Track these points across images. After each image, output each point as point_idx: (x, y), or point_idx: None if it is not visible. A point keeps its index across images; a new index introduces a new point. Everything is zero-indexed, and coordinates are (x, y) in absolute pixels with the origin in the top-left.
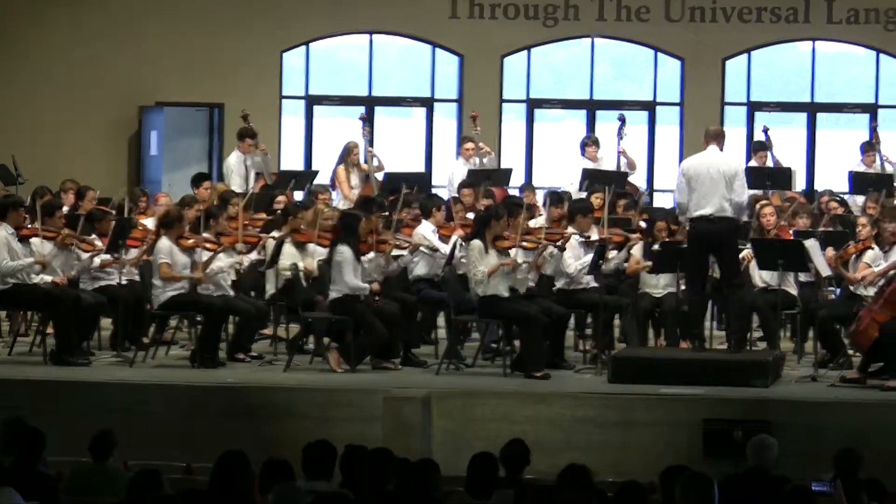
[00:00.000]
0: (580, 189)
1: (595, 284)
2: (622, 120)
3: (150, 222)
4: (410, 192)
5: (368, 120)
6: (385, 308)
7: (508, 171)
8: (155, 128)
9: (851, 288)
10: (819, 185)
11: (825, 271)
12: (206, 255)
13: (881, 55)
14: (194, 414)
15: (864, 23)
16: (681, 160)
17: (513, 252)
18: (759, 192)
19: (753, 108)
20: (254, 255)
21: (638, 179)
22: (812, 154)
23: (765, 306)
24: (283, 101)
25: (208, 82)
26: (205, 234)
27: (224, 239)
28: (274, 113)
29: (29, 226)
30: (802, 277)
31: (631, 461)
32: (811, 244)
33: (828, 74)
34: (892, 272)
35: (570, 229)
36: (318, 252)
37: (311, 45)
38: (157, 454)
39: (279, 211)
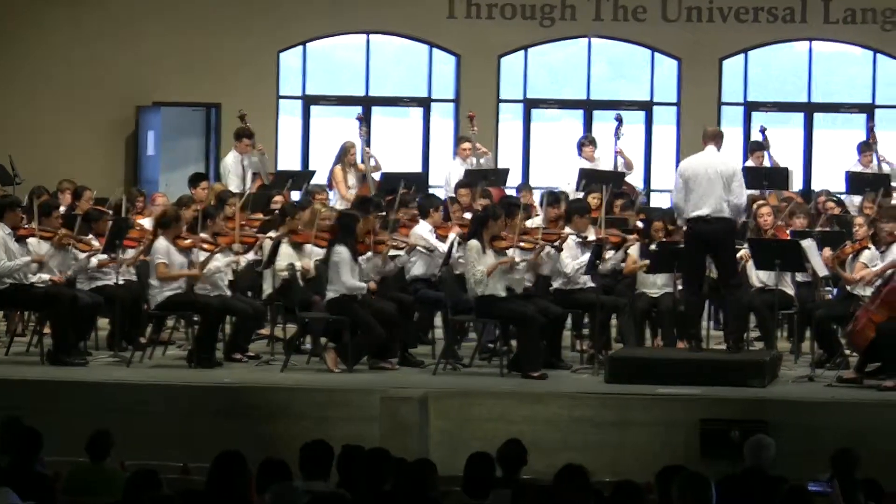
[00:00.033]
0: (577, 189)
1: (592, 284)
2: (619, 120)
3: (147, 222)
4: (408, 192)
5: (365, 120)
6: (382, 308)
7: (505, 171)
8: (152, 128)
9: (848, 288)
10: (816, 185)
11: (822, 271)
12: (203, 256)
13: (878, 55)
14: (191, 414)
15: (861, 23)
16: (678, 160)
17: (510, 252)
18: (756, 192)
19: (750, 108)
20: (251, 256)
21: (635, 179)
22: (809, 154)
23: (762, 306)
24: (280, 100)
25: (205, 82)
26: (202, 235)
27: (221, 239)
28: (271, 113)
29: (26, 226)
30: (799, 277)
31: (628, 461)
32: (808, 244)
33: (825, 74)
34: (889, 272)
35: (568, 229)
36: (315, 252)
37: (308, 45)
38: (155, 454)
39: (276, 211)
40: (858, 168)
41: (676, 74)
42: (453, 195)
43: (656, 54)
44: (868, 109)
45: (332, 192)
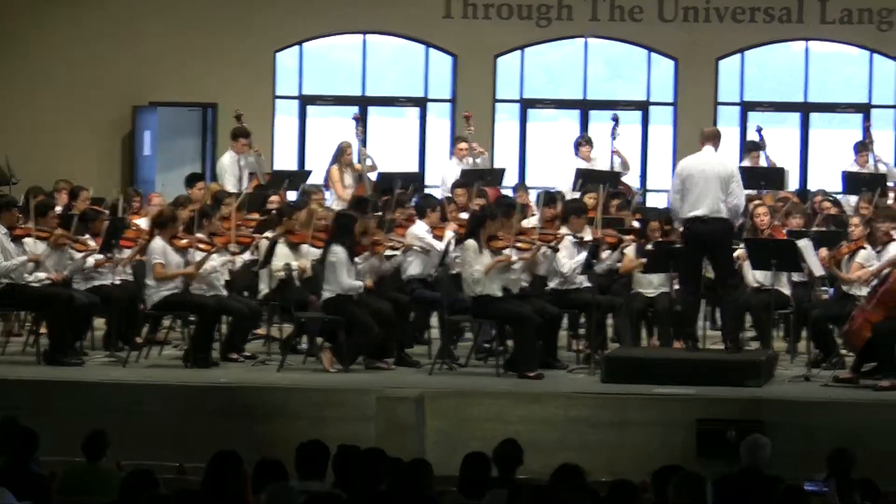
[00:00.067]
0: (574, 189)
1: (588, 284)
2: (616, 120)
3: (143, 222)
4: (404, 192)
5: (362, 120)
6: (378, 308)
7: (501, 171)
8: (148, 128)
9: (844, 288)
10: (812, 185)
11: (818, 271)
12: (199, 256)
13: (874, 55)
14: (187, 414)
15: (857, 23)
16: (674, 160)
17: (506, 252)
18: (752, 192)
19: (747, 107)
20: (247, 256)
21: (631, 179)
22: (805, 154)
23: (758, 306)
24: (277, 100)
25: (202, 82)
26: (198, 235)
27: (217, 239)
28: (267, 113)
29: (22, 226)
30: (796, 277)
31: (624, 461)
32: (804, 244)
33: (821, 74)
34: (885, 272)
35: (564, 230)
36: (312, 252)
37: (304, 45)
38: (151, 454)
39: (273, 211)
40: (855, 168)
41: (673, 74)
42: (449, 195)
43: (653, 54)
44: (864, 109)
45: (328, 192)
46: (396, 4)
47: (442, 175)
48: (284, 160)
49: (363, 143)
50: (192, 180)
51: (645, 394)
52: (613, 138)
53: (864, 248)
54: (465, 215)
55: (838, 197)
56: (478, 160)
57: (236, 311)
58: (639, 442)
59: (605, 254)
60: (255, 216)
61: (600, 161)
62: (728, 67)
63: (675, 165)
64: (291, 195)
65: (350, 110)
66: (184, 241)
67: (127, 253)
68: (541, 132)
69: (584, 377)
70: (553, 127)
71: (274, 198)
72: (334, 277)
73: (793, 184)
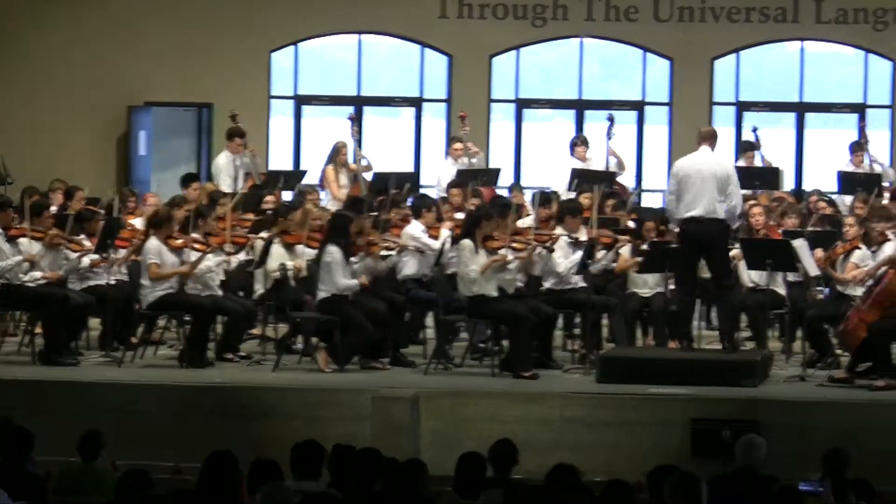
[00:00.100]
0: (569, 189)
1: (583, 284)
2: (611, 120)
3: (138, 222)
4: (399, 192)
5: (357, 120)
6: (374, 308)
7: (497, 171)
8: (144, 128)
9: (840, 288)
10: (808, 185)
11: (813, 271)
12: (194, 256)
13: (870, 55)
14: (183, 414)
15: (852, 23)
16: (670, 160)
17: (502, 252)
18: (747, 191)
19: (742, 107)
20: (242, 256)
21: (627, 179)
22: (801, 154)
23: (753, 306)
24: (272, 100)
25: (197, 82)
26: (193, 235)
27: (212, 239)
28: (263, 113)
29: (17, 226)
30: (791, 277)
31: (620, 461)
32: (799, 244)
33: (816, 74)
34: (880, 272)
35: (559, 230)
36: (307, 253)
37: (299, 45)
38: (146, 454)
39: (268, 211)
40: (850, 168)
41: (668, 74)
42: (444, 195)
43: (648, 54)
44: (860, 109)
45: (323, 192)
46: (392, 4)
47: (437, 175)
48: (280, 160)
49: (358, 143)
50: (187, 180)
51: (640, 394)
52: (609, 138)
53: (859, 248)
54: (460, 215)
55: (834, 197)
56: (473, 160)
57: (231, 311)
58: (634, 442)
59: (600, 254)
60: (251, 216)
61: (596, 161)
62: (723, 67)
63: (670, 165)
64: (287, 195)
65: (345, 110)
66: (179, 241)
67: (122, 253)
68: (536, 132)
69: (580, 377)
70: (548, 127)
71: (269, 198)
72: (329, 277)
73: (788, 184)
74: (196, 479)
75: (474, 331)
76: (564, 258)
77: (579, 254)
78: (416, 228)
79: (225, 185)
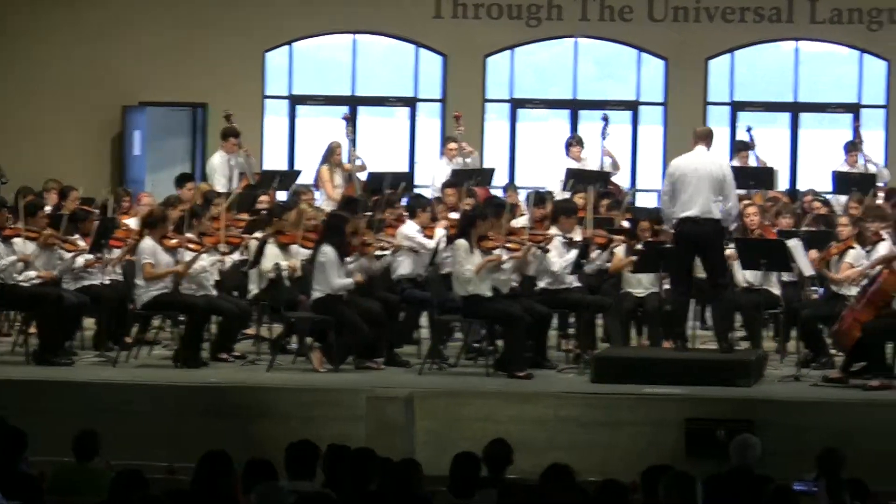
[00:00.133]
0: (563, 189)
1: (578, 284)
2: (605, 120)
3: (133, 222)
4: (394, 192)
5: (352, 119)
6: (368, 307)
7: (491, 171)
8: (138, 128)
9: (834, 288)
10: (802, 185)
11: (808, 271)
12: (189, 256)
13: (864, 55)
14: (177, 414)
15: (847, 23)
16: (664, 160)
17: (497, 252)
18: (742, 191)
19: (736, 107)
20: (236, 256)
21: (621, 179)
22: (795, 154)
23: (748, 306)
24: (266, 100)
25: (191, 82)
26: (188, 235)
27: (207, 239)
28: (257, 113)
29: (12, 226)
30: (785, 277)
31: (614, 461)
32: (794, 244)
33: (811, 74)
34: (874, 271)
35: (554, 230)
36: (302, 253)
37: (294, 44)
38: (141, 454)
39: (263, 211)
40: (845, 168)
41: (663, 74)
42: (439, 195)
43: (643, 54)
44: (854, 109)
45: (318, 191)
46: (386, 4)
47: (432, 175)
48: (274, 160)
49: (353, 142)
50: (181, 181)
51: (634, 393)
52: (603, 138)
53: (853, 247)
54: (454, 215)
55: (828, 197)
56: (468, 160)
57: (226, 311)
58: (628, 442)
59: (594, 253)
60: (245, 216)
61: (591, 161)
62: (718, 67)
63: (665, 165)
64: (281, 195)
65: (340, 110)
66: (173, 241)
67: (116, 253)
68: (530, 132)
69: (574, 377)
70: (543, 127)
71: (263, 198)
72: (324, 277)
73: (782, 184)
74: (190, 480)
75: (469, 331)
76: (559, 258)
77: (574, 253)
78: (410, 228)
79: (219, 185)
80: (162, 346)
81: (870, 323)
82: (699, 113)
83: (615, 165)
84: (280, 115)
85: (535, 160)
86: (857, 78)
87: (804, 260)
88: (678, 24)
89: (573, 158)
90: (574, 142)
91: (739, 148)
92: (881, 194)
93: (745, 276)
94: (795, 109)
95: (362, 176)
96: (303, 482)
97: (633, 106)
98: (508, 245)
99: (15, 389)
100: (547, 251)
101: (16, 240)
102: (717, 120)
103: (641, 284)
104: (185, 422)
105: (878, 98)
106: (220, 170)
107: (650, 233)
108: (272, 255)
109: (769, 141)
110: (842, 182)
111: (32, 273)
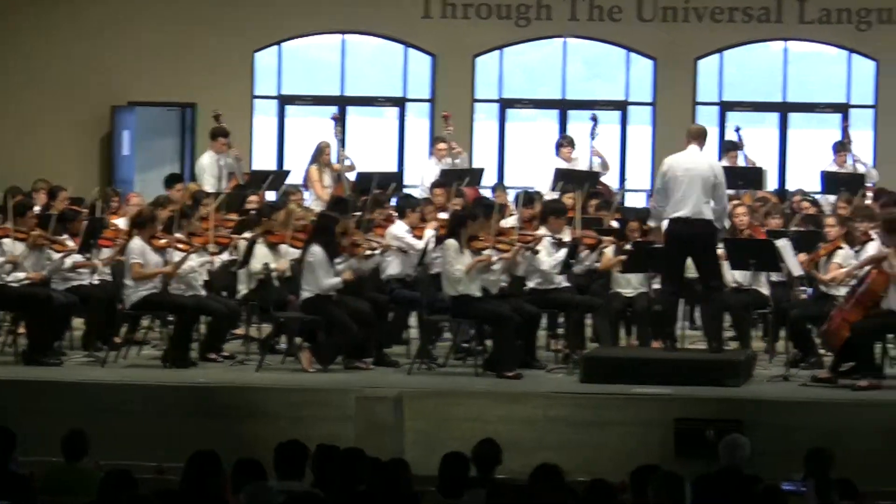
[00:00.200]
0: (552, 189)
1: (567, 284)
2: (594, 120)
3: (122, 222)
4: (382, 192)
5: (341, 120)
6: (357, 307)
7: (480, 171)
8: (127, 128)
9: (823, 288)
10: (791, 185)
11: (797, 271)
12: (178, 256)
13: (853, 55)
14: (166, 414)
15: (836, 23)
16: (653, 160)
17: (486, 253)
18: (731, 191)
19: (725, 107)
20: (226, 256)
21: (610, 179)
22: (784, 154)
23: (737, 306)
24: (256, 100)
25: (180, 82)
26: (177, 235)
27: (196, 239)
28: (246, 113)
29: (0, 226)
30: (774, 277)
31: (603, 461)
32: (782, 244)
33: (800, 74)
34: (863, 271)
35: (543, 230)
36: (291, 253)
37: (283, 44)
38: (130, 454)
39: (252, 211)
40: (833, 168)
41: (652, 74)
42: (428, 195)
43: (632, 54)
44: (843, 109)
45: (307, 192)
46: (375, 4)
47: (421, 175)
48: (263, 160)
49: (342, 142)
50: (171, 181)
51: (624, 393)
52: (592, 138)
53: (841, 248)
54: (443, 215)
55: (817, 197)
56: (457, 160)
57: (215, 311)
58: (617, 442)
59: (583, 254)
60: (234, 216)
61: (581, 162)
62: (707, 67)
63: (653, 165)
64: (270, 195)
65: (329, 110)
66: (162, 241)
67: (105, 252)
68: (519, 132)
69: (563, 377)
70: (532, 127)
71: (253, 198)
72: (313, 277)
73: (771, 184)
74: (179, 479)
75: (458, 331)
76: (548, 258)
77: (563, 253)
78: (399, 228)
79: (208, 185)
80: (151, 347)
81: (858, 323)
82: (688, 113)
83: (604, 165)
84: (269, 115)
85: (524, 160)
86: (845, 78)
87: (793, 260)
88: (667, 24)
89: (563, 159)
90: (565, 142)
91: (728, 148)
92: (870, 194)
93: (734, 276)
94: (784, 109)
95: (351, 176)
96: (292, 482)
97: (622, 106)
98: (498, 246)
99: (4, 389)
100: (536, 252)
101: (4, 240)
102: (706, 120)
103: (630, 284)
104: (174, 422)
105: (866, 98)
106: (209, 170)
107: (639, 233)
108: (261, 256)
109: (758, 141)
110: (831, 182)
111: (21, 275)
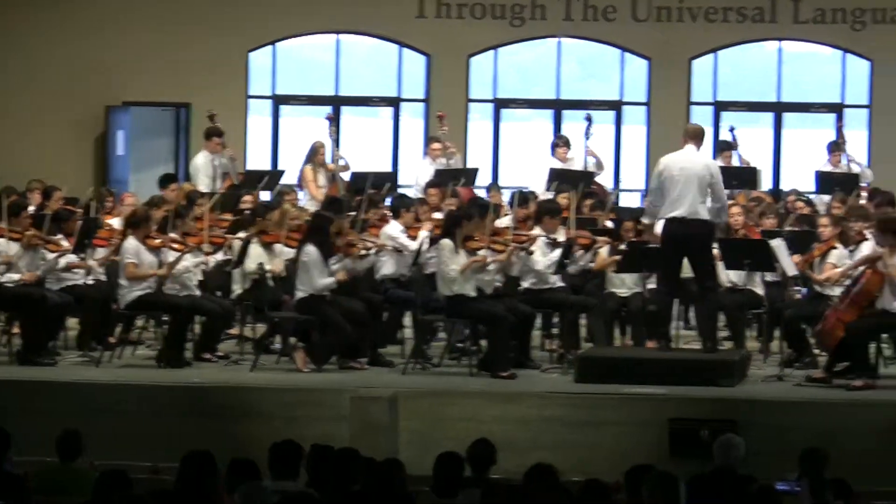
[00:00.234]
0: (547, 189)
1: (561, 284)
2: (589, 120)
3: (116, 222)
4: (377, 192)
5: (335, 119)
6: (351, 307)
7: (475, 171)
8: (122, 127)
9: (817, 288)
10: (785, 185)
11: (791, 271)
12: (172, 256)
13: (847, 55)
14: (161, 414)
15: (830, 22)
16: (647, 160)
17: (481, 253)
18: (725, 191)
19: (720, 107)
20: (220, 256)
21: (604, 179)
22: (778, 154)
23: (731, 306)
24: (250, 100)
25: (175, 82)
26: (171, 235)
27: (190, 239)
28: (240, 113)
29: None
30: (769, 277)
31: (598, 461)
32: (777, 244)
33: (794, 74)
34: (857, 271)
35: (537, 230)
36: (285, 252)
37: (277, 44)
38: (124, 454)
39: (246, 211)
40: (828, 168)
41: (646, 74)
42: (422, 195)
43: (626, 54)
44: (837, 109)
45: (301, 191)
46: (370, 4)
47: (415, 175)
48: (257, 160)
49: (336, 142)
50: (165, 182)
51: (618, 393)
52: (587, 138)
53: (835, 248)
54: (438, 215)
55: (811, 197)
56: (451, 161)
57: (209, 311)
58: (612, 441)
59: (578, 254)
60: (228, 216)
61: (576, 162)
62: (701, 67)
63: (648, 165)
64: (265, 195)
65: (323, 110)
66: (157, 241)
67: (100, 252)
68: (514, 132)
69: (558, 377)
70: (526, 127)
71: (247, 198)
72: (307, 277)
73: (766, 184)
74: (174, 479)
75: (452, 331)
76: (543, 258)
77: (557, 253)
78: (394, 228)
79: (203, 185)
80: (145, 346)
81: (853, 323)
82: (682, 113)
83: (599, 165)
84: (263, 115)
85: (519, 160)
86: (840, 78)
87: (787, 260)
88: (661, 24)
89: (559, 159)
90: (560, 142)
91: (722, 148)
92: (864, 194)
93: (728, 277)
94: (778, 109)
95: (346, 176)
96: (286, 482)
97: (616, 106)
98: (493, 246)
99: None
100: (531, 252)
101: None
102: (701, 120)
103: (625, 284)
104: (168, 422)
105: (861, 98)
106: (204, 170)
107: (634, 233)
108: (256, 255)
109: (752, 141)
110: (825, 182)
111: (15, 276)
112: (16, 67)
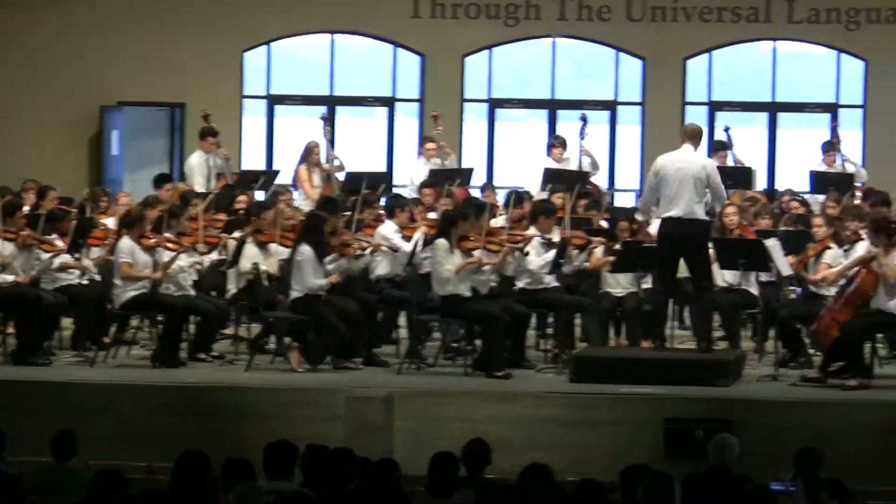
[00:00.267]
0: (542, 189)
1: (556, 284)
2: (584, 120)
3: (111, 222)
4: (372, 192)
5: (330, 119)
6: (346, 307)
7: (470, 171)
8: (116, 127)
9: (812, 288)
10: (780, 185)
11: (786, 271)
12: (167, 255)
13: (842, 55)
14: (156, 414)
15: (825, 22)
16: (642, 160)
17: (476, 253)
18: None
19: (714, 107)
20: (215, 256)
21: (599, 179)
22: (773, 154)
23: (726, 306)
24: (245, 100)
25: (169, 82)
26: (166, 234)
27: (185, 239)
28: (235, 112)
29: None
30: (764, 277)
31: (593, 460)
32: (772, 244)
33: (789, 74)
34: (852, 271)
35: (532, 230)
36: (280, 252)
37: (272, 44)
38: (119, 454)
39: (241, 211)
40: (822, 168)
41: (641, 74)
42: (417, 195)
43: (621, 54)
44: (832, 109)
45: (296, 191)
46: (364, 4)
47: (410, 175)
48: (252, 160)
49: (331, 142)
50: (159, 182)
51: (613, 393)
52: (582, 138)
53: (830, 247)
54: (432, 215)
55: (806, 197)
56: (446, 160)
57: (204, 310)
58: (607, 441)
59: (573, 253)
60: (223, 216)
61: (572, 162)
62: (696, 67)
63: (643, 165)
64: (259, 195)
65: (318, 110)
66: (152, 241)
67: (95, 252)
68: (509, 132)
69: (553, 377)
70: (521, 127)
71: (242, 198)
72: (301, 277)
73: (760, 183)
74: (169, 479)
75: (447, 330)
76: (537, 258)
77: (552, 253)
78: (388, 228)
79: (198, 185)
80: (140, 346)
81: (848, 323)
82: (677, 113)
83: (594, 165)
84: (258, 115)
85: (514, 160)
86: (834, 78)
87: (782, 260)
88: (656, 23)
89: (554, 159)
90: (556, 142)
91: (717, 148)
92: (859, 194)
93: (723, 276)
94: (773, 109)
95: (340, 176)
96: (281, 482)
97: (611, 106)
98: (488, 246)
99: None
100: (526, 253)
101: None
102: (695, 120)
103: (620, 284)
104: (163, 422)
105: (855, 98)
106: (199, 169)
107: (629, 233)
108: (250, 255)
109: (747, 141)
110: (820, 182)
111: (10, 277)
112: (10, 68)
